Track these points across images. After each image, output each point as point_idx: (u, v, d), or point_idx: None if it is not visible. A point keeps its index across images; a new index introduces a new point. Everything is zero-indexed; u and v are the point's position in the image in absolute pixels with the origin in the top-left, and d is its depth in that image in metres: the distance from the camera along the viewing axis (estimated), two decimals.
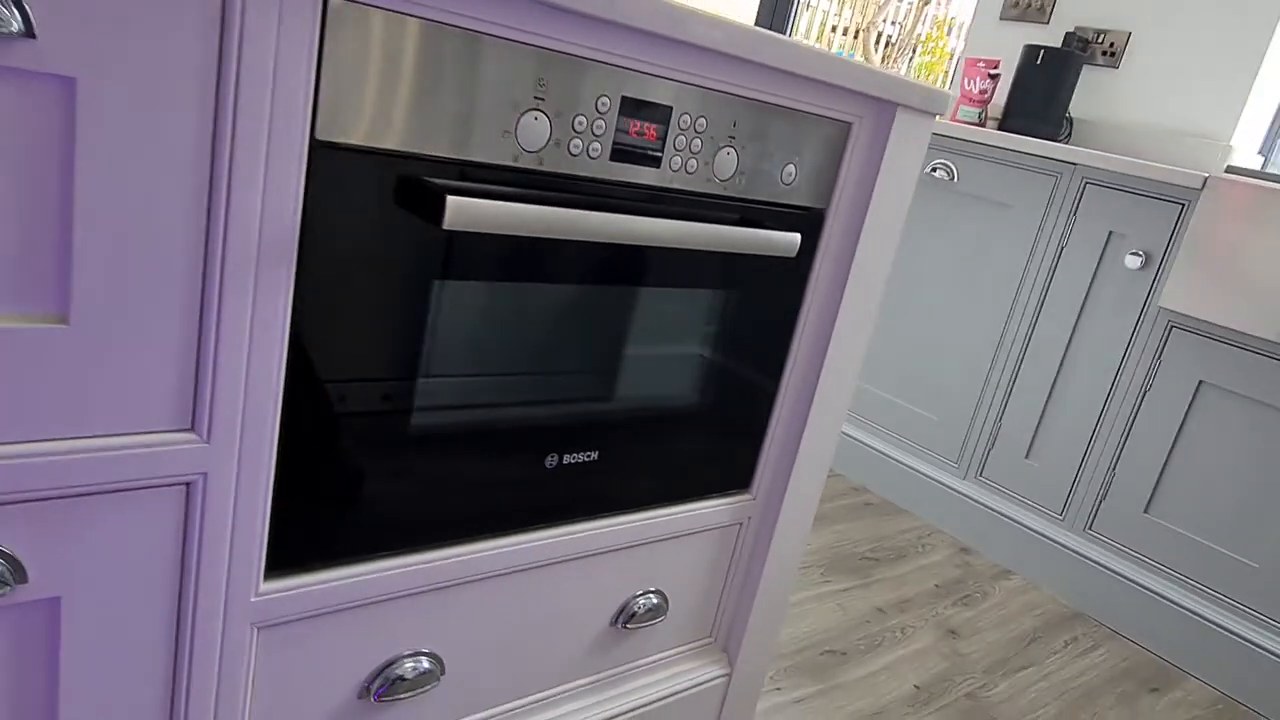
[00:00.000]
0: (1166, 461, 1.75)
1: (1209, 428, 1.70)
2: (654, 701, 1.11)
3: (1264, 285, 1.60)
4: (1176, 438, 1.74)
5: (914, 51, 9.68)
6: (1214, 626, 1.68)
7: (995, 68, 2.39)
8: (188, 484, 0.66)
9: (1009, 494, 1.99)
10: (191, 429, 0.65)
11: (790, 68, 0.86)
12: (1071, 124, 2.34)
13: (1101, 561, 1.83)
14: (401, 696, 0.87)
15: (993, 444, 2.01)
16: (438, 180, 0.69)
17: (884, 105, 1.00)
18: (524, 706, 1.00)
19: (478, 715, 0.96)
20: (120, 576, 0.65)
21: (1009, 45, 2.49)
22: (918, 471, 2.14)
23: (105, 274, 0.57)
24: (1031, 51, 2.28)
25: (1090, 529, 1.86)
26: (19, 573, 0.60)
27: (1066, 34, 2.35)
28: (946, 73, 10.25)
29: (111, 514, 0.63)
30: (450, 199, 0.66)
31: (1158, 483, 1.77)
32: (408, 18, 0.64)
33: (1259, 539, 1.64)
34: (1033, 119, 2.27)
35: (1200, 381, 1.71)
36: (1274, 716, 1.61)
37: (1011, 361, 1.97)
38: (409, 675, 0.86)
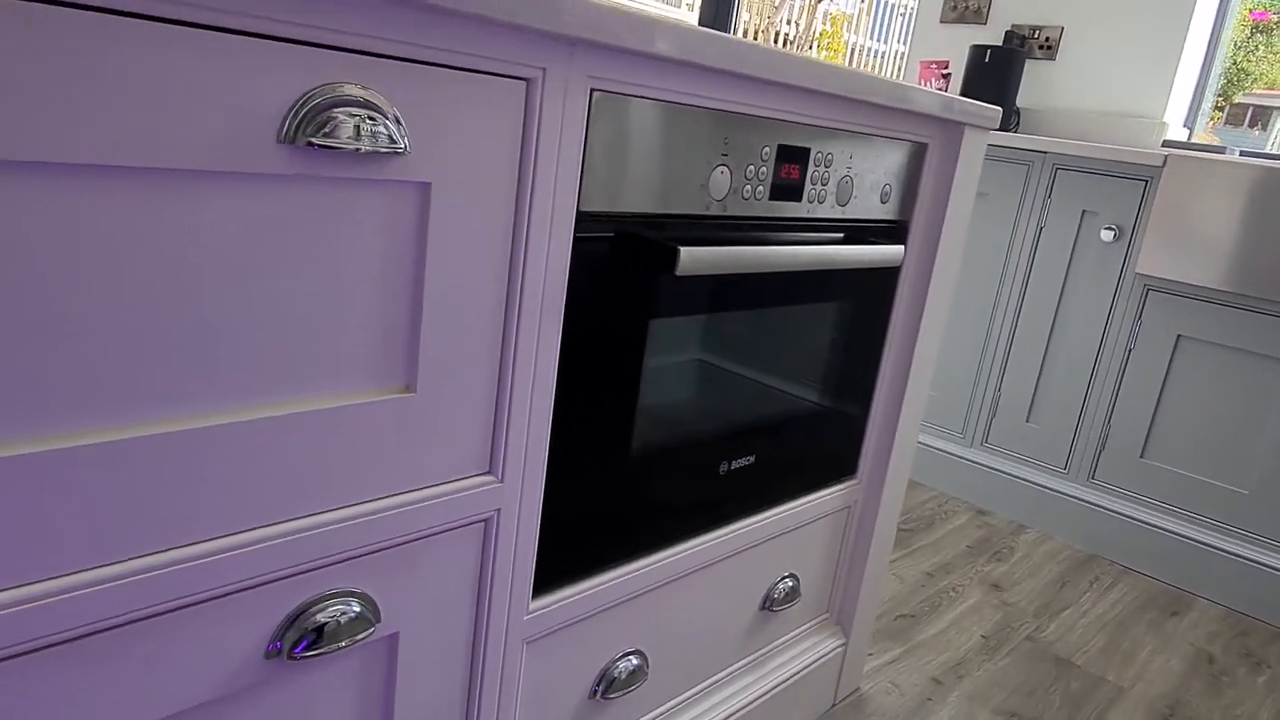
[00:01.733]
0: (1155, 410, 1.96)
1: (1190, 375, 1.91)
2: (792, 676, 1.23)
3: (1224, 245, 1.82)
4: (1162, 388, 1.95)
5: (813, 48, 10.05)
6: (1216, 551, 1.88)
7: (946, 68, 2.59)
8: (485, 520, 0.75)
9: (1015, 456, 2.17)
10: (489, 471, 0.74)
11: (889, 102, 0.99)
12: (1019, 114, 2.55)
13: (1107, 506, 2.03)
14: (614, 695, 0.96)
15: (994, 412, 2.19)
16: (665, 234, 0.80)
17: (952, 125, 1.14)
18: (699, 692, 1.10)
19: (669, 704, 1.06)
20: (438, 611, 0.74)
21: (952, 46, 2.69)
22: (928, 446, 2.31)
23: (441, 344, 0.66)
24: (979, 51, 2.48)
25: (1093, 478, 2.06)
26: (376, 614, 0.69)
27: (1007, 32, 2.57)
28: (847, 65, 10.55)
29: (434, 554, 0.72)
30: (683, 250, 0.77)
31: (1149, 429, 1.97)
32: (643, 100, 0.75)
33: (1246, 468, 1.86)
34: None
35: (1179, 335, 1.92)
36: (1277, 622, 1.82)
37: (1004, 336, 2.16)
38: (623, 675, 0.96)
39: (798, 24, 9.78)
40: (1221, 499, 1.89)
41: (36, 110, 0.44)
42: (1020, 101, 2.57)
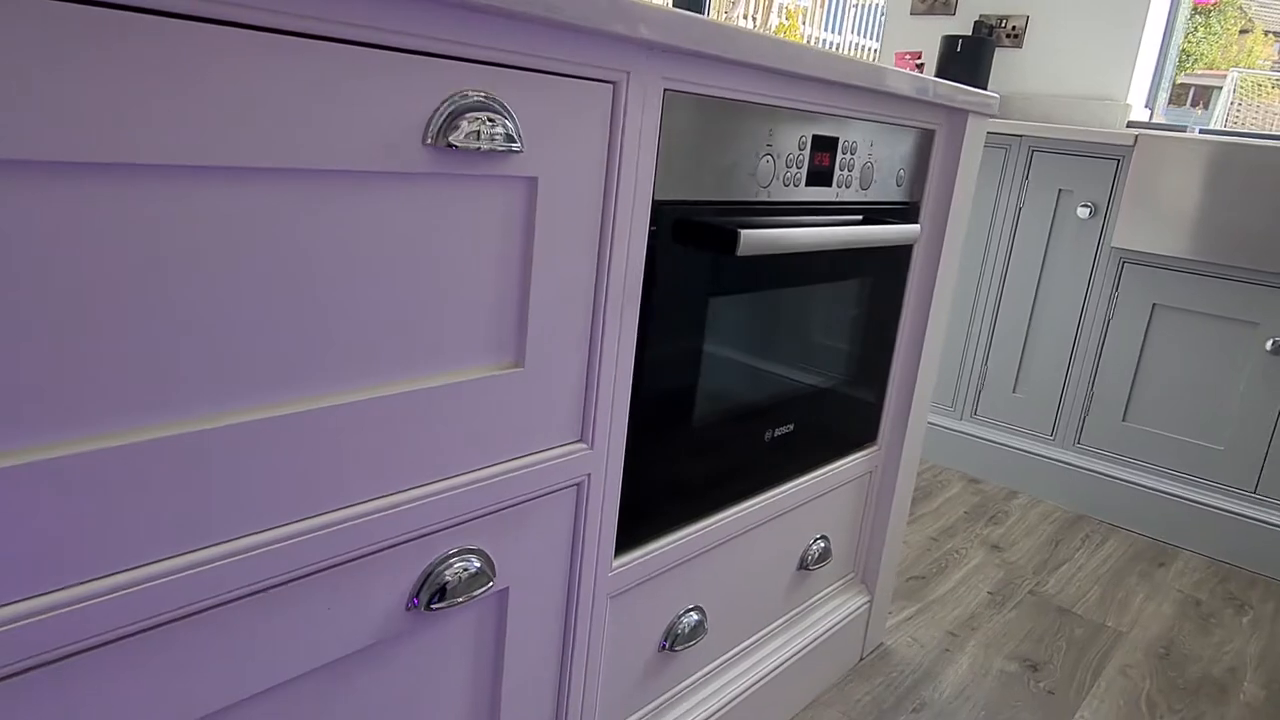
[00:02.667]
0: (1135, 375, 2.08)
1: (1166, 341, 2.03)
2: (825, 632, 1.31)
3: (1192, 217, 1.94)
4: (1140, 354, 2.07)
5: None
6: (1196, 505, 2.01)
7: (919, 58, 2.69)
8: (578, 485, 0.82)
9: (1003, 425, 2.29)
10: (582, 439, 0.81)
11: (906, 92, 1.08)
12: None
13: (1092, 468, 2.15)
14: (679, 649, 1.04)
15: (982, 385, 2.30)
16: (722, 219, 0.88)
17: (957, 113, 1.23)
18: (748, 647, 1.19)
19: (723, 658, 1.14)
20: (541, 568, 0.81)
21: (923, 37, 2.80)
22: None
23: (545, 322, 0.74)
24: (950, 41, 2.59)
25: (1079, 443, 2.18)
26: (492, 570, 0.76)
27: (975, 22, 2.68)
28: None
29: (539, 516, 0.79)
30: (743, 232, 0.84)
31: (1130, 394, 2.09)
32: (705, 97, 0.83)
33: (1220, 426, 1.98)
34: None
35: (1154, 304, 2.04)
36: (1256, 568, 1.95)
37: (989, 311, 2.27)
38: (686, 630, 1.04)
39: (755, 18, 9.89)
40: (1199, 456, 2.01)
41: (231, 123, 0.51)
42: (991, 88, 2.68)
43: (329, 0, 0.53)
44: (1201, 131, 2.48)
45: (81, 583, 0.51)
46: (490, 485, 0.73)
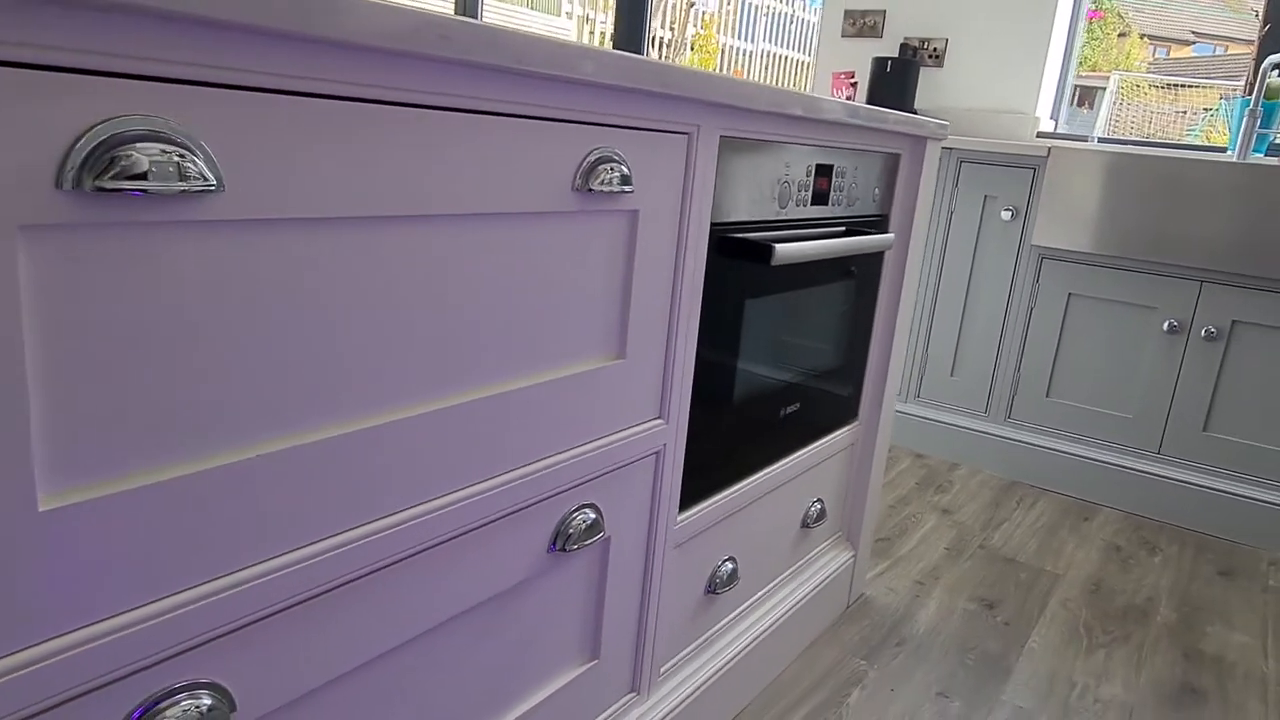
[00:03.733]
0: (1056, 356, 2.38)
1: (1080, 326, 2.33)
2: (821, 582, 1.54)
3: (1097, 217, 2.24)
4: (1059, 338, 2.36)
5: (690, 50, 10.50)
6: (1111, 466, 2.31)
7: (853, 78, 2.96)
8: (657, 453, 1.02)
9: (943, 405, 2.56)
10: (660, 416, 1.01)
11: (884, 127, 1.31)
12: (915, 115, 2.95)
13: (1022, 439, 2.44)
14: (719, 592, 1.25)
15: (924, 370, 2.58)
16: (756, 235, 1.09)
17: (918, 139, 1.47)
18: (766, 593, 1.40)
19: (748, 601, 1.35)
20: (631, 522, 1.01)
21: (854, 57, 3.07)
22: None
23: (639, 322, 0.94)
24: (880, 62, 2.87)
25: (1010, 418, 2.46)
26: (602, 522, 0.95)
27: (901, 44, 2.97)
28: (712, 66, 11.07)
29: (632, 478, 0.99)
30: (777, 246, 1.06)
31: (1052, 373, 2.39)
32: (745, 140, 1.04)
33: (1129, 397, 2.29)
34: None
35: (1070, 294, 2.33)
36: (1162, 518, 2.25)
37: (927, 305, 2.54)
38: (725, 576, 1.24)
39: (674, 28, 10.18)
40: (1113, 424, 2.32)
41: (445, 180, 0.69)
42: (917, 104, 2.97)
43: (513, 88, 0.72)
44: (1100, 141, 2.82)
45: (337, 533, 0.69)
46: (601, 453, 0.93)
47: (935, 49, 2.95)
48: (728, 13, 12.49)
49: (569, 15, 9.56)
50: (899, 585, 1.78)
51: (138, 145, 0.48)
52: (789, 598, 1.44)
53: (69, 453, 0.50)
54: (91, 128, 0.47)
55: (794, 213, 1.18)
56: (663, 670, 1.15)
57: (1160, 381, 2.24)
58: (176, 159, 0.49)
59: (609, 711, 1.07)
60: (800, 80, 11.53)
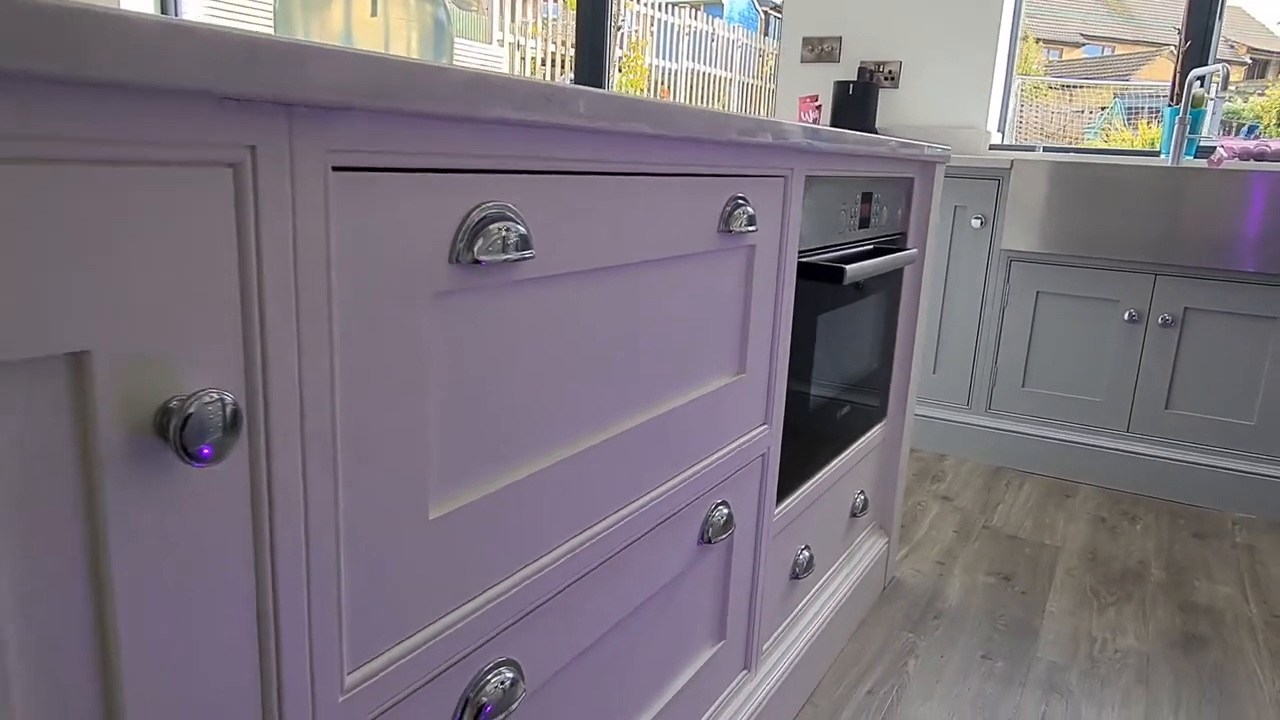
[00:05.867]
0: (1029, 349, 2.60)
1: (1049, 320, 2.56)
2: (866, 566, 1.70)
3: (1059, 222, 2.47)
4: (1031, 332, 2.59)
5: (618, 72, 10.72)
6: (1087, 446, 2.54)
7: (816, 101, 3.17)
8: (764, 455, 1.17)
9: (929, 400, 2.76)
10: (766, 422, 1.16)
11: (907, 156, 1.49)
12: (877, 134, 3.17)
13: (1003, 427, 2.65)
14: (800, 577, 1.39)
15: None
16: (824, 257, 1.25)
17: (927, 164, 1.66)
18: (828, 578, 1.55)
19: (818, 584, 1.50)
20: (747, 517, 1.15)
21: (814, 81, 3.28)
22: None
23: (754, 341, 1.08)
24: (842, 85, 3.08)
25: (990, 408, 2.68)
26: (733, 517, 1.09)
27: (859, 68, 3.18)
28: (644, 88, 11.32)
29: (747, 478, 1.13)
30: (847, 268, 1.22)
31: (1026, 364, 2.61)
32: (819, 177, 1.20)
33: (1097, 382, 2.52)
34: None
35: (1038, 291, 2.56)
36: (1137, 490, 2.49)
37: None
38: (804, 562, 1.39)
39: None
40: (1084, 408, 2.54)
41: (641, 232, 0.83)
42: (877, 123, 3.19)
43: (689, 152, 0.86)
44: (1045, 150, 3.07)
45: (588, 527, 0.81)
46: (730, 457, 1.07)
47: (890, 71, 3.17)
48: (651, 33, 12.74)
49: (500, 43, 9.68)
50: (923, 567, 1.95)
51: (494, 224, 0.61)
52: (845, 582, 1.60)
53: (450, 469, 0.62)
54: (469, 213, 0.59)
55: (848, 236, 1.35)
56: (763, 649, 1.29)
57: (1124, 366, 2.47)
58: (518, 233, 0.62)
59: (730, 687, 1.20)
60: (725, 95, 11.83)
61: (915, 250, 1.56)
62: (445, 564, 0.63)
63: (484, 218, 0.60)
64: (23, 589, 0.39)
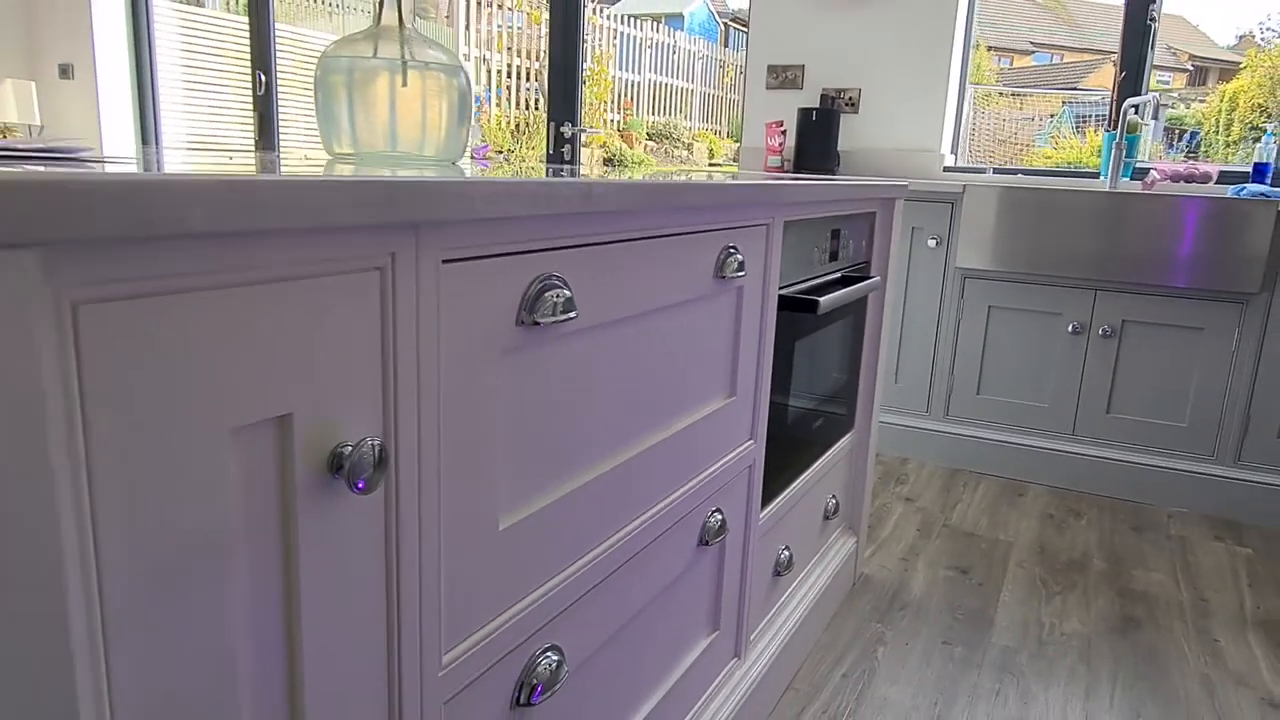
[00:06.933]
0: (982, 359, 2.79)
1: (1000, 332, 2.76)
2: (838, 564, 1.87)
3: (1008, 242, 2.67)
4: (984, 343, 2.78)
5: (583, 85, 10.91)
6: (1035, 448, 2.74)
7: (782, 126, 3.35)
8: (750, 466, 1.33)
9: (891, 409, 2.95)
10: (751, 438, 1.32)
11: (869, 194, 1.66)
12: (839, 157, 3.36)
13: (958, 431, 2.84)
14: (781, 575, 1.55)
15: None
16: (803, 292, 1.41)
17: (887, 201, 1.83)
18: (805, 574, 1.71)
19: (796, 580, 1.66)
20: (736, 522, 1.31)
21: (779, 107, 3.46)
22: None
23: (742, 368, 1.24)
24: (806, 112, 3.26)
25: (947, 415, 2.87)
26: (727, 521, 1.24)
27: (821, 94, 3.37)
28: (606, 99, 11.50)
29: (735, 488, 1.29)
30: (821, 299, 1.38)
31: (980, 374, 2.80)
32: (797, 222, 1.36)
33: (1044, 389, 2.72)
34: (816, 159, 3.26)
35: (990, 306, 2.76)
36: (1081, 489, 2.69)
37: None
38: (785, 561, 1.55)
39: None
40: (1032, 413, 2.74)
41: (653, 284, 0.99)
42: (840, 146, 3.38)
43: (693, 215, 1.02)
44: (995, 172, 3.28)
45: (621, 528, 0.97)
46: (723, 469, 1.23)
47: (850, 98, 3.36)
48: (614, 46, 12.89)
49: (466, 57, 9.81)
50: (889, 563, 2.13)
51: (548, 292, 0.76)
52: (820, 578, 1.76)
53: (514, 488, 0.77)
54: (529, 285, 0.74)
55: (820, 270, 1.51)
56: (751, 639, 1.45)
57: (1069, 374, 2.68)
58: (565, 297, 0.77)
59: (722, 673, 1.36)
60: (687, 106, 12.04)
61: (878, 278, 1.73)
62: (510, 566, 0.78)
63: (541, 287, 0.75)
64: (249, 576, 0.53)
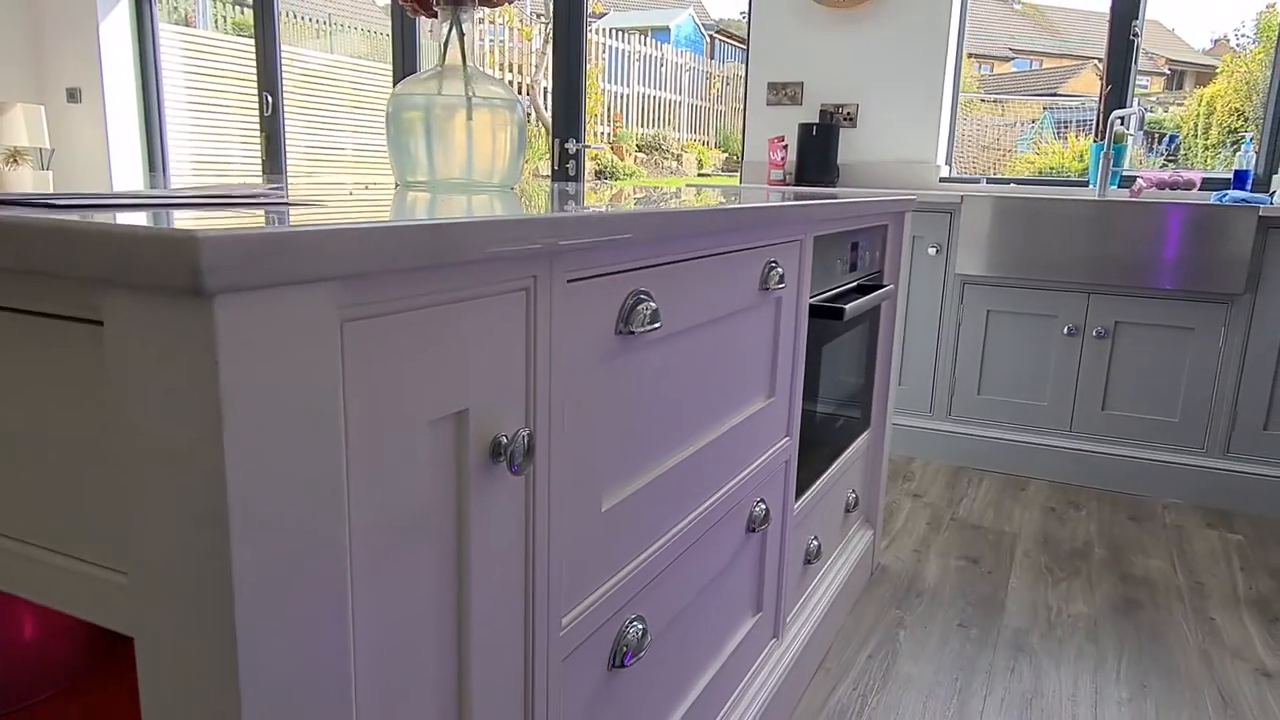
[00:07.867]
0: (982, 361, 2.93)
1: (999, 335, 2.89)
2: (858, 555, 1.99)
3: (1005, 248, 2.81)
4: (984, 346, 2.92)
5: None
6: (1035, 445, 2.87)
7: (784, 141, 3.49)
8: (787, 460, 1.45)
9: (895, 409, 3.08)
10: (788, 434, 1.44)
11: (884, 209, 1.79)
12: (839, 170, 3.50)
13: (962, 431, 2.97)
14: (812, 563, 1.67)
15: None
16: (829, 301, 1.54)
17: (897, 214, 1.96)
18: (830, 564, 1.83)
19: (824, 568, 1.78)
20: (776, 511, 1.43)
21: (780, 123, 3.60)
22: None
23: (780, 370, 1.36)
24: (806, 127, 3.40)
25: (950, 415, 3.00)
26: (769, 511, 1.36)
27: (820, 110, 3.51)
28: (596, 112, 11.64)
29: (775, 481, 1.41)
30: (846, 306, 1.51)
31: (980, 374, 2.94)
32: (824, 236, 1.49)
33: (1041, 388, 2.86)
34: (817, 172, 3.40)
35: (989, 310, 2.89)
36: (1079, 482, 2.82)
37: None
38: (815, 549, 1.67)
39: None
40: (1032, 411, 2.88)
41: (712, 296, 1.11)
42: (839, 160, 3.52)
43: (743, 235, 1.14)
44: (989, 181, 3.42)
45: (690, 513, 1.09)
46: (766, 464, 1.35)
47: (848, 113, 3.50)
48: (602, 59, 13.05)
49: None
50: (903, 554, 2.25)
51: (640, 306, 0.88)
52: (843, 568, 1.89)
53: (612, 475, 0.89)
54: (626, 299, 0.87)
55: (842, 280, 1.64)
56: (786, 621, 1.57)
57: (1065, 374, 2.81)
58: (652, 309, 0.89)
59: (764, 653, 1.48)
60: (675, 118, 12.20)
61: (892, 286, 1.86)
62: (609, 542, 0.90)
63: (634, 301, 0.87)
64: (436, 544, 0.65)
